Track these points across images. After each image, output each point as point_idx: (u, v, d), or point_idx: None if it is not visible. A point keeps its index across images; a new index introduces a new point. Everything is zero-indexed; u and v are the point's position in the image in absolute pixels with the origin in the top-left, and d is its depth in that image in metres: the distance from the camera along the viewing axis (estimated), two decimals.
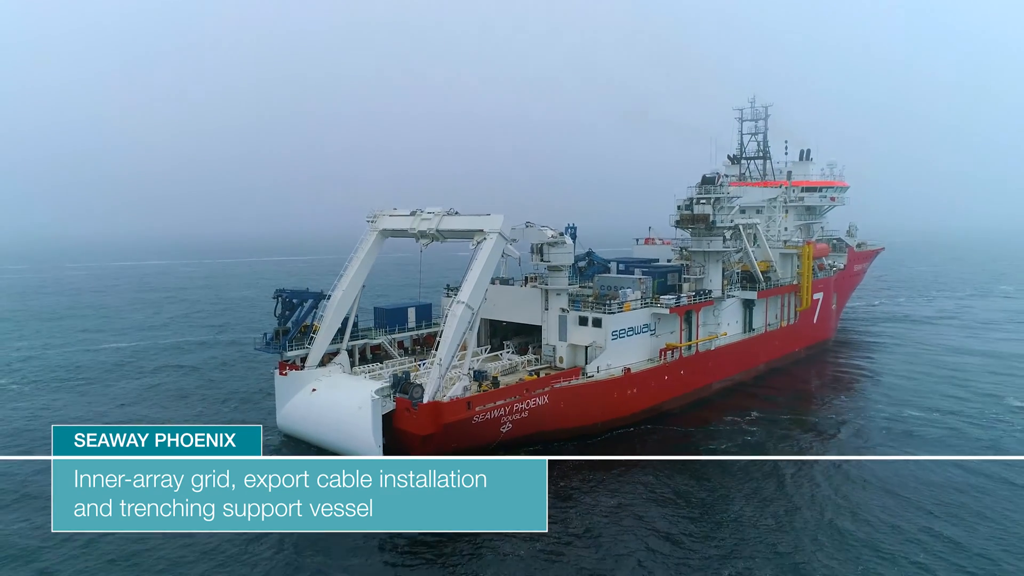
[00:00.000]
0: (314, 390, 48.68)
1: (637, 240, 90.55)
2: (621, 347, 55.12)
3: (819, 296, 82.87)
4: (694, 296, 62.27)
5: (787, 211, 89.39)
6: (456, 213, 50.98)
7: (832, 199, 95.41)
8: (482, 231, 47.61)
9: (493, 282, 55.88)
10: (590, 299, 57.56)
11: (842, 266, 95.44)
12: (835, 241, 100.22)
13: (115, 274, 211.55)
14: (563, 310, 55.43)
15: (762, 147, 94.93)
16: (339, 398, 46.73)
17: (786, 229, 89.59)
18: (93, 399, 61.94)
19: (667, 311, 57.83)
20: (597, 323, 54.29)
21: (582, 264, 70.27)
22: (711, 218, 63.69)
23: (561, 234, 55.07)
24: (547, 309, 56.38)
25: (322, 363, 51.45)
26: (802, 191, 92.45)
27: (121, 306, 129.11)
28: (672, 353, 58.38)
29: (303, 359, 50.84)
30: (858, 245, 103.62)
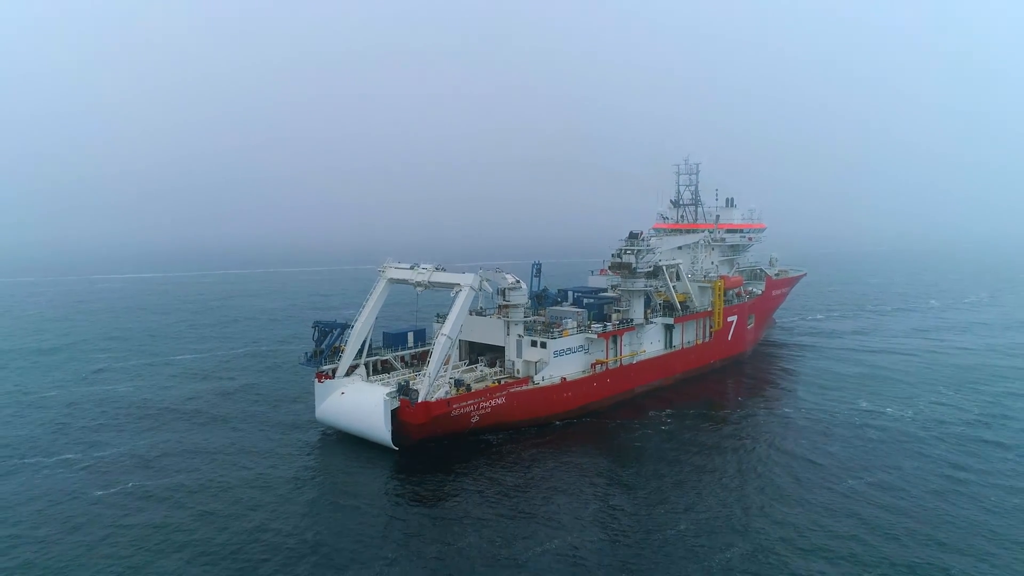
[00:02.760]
0: (343, 393, 69.88)
1: (592, 272, 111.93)
2: (561, 362, 76.61)
3: (734, 318, 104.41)
4: (618, 324, 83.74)
5: (712, 249, 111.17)
6: (443, 269, 72.70)
7: (750, 239, 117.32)
8: (459, 284, 69.16)
9: (471, 313, 77.29)
10: (539, 326, 78.95)
11: (759, 292, 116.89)
12: (757, 271, 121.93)
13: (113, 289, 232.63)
14: (519, 335, 76.80)
15: (694, 196, 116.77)
16: (360, 399, 67.84)
17: (712, 263, 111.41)
18: (182, 404, 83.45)
19: (596, 336, 79.31)
20: (543, 345, 75.70)
21: (540, 295, 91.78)
22: (633, 265, 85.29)
23: (518, 281, 76.46)
24: (508, 334, 77.81)
25: (347, 374, 72.63)
26: (725, 232, 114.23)
27: (159, 322, 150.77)
28: (600, 366, 79.86)
29: (334, 371, 72.12)
30: (776, 273, 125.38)
